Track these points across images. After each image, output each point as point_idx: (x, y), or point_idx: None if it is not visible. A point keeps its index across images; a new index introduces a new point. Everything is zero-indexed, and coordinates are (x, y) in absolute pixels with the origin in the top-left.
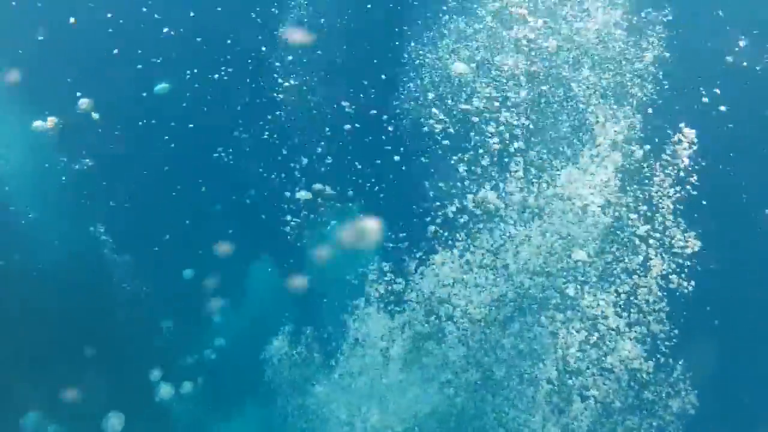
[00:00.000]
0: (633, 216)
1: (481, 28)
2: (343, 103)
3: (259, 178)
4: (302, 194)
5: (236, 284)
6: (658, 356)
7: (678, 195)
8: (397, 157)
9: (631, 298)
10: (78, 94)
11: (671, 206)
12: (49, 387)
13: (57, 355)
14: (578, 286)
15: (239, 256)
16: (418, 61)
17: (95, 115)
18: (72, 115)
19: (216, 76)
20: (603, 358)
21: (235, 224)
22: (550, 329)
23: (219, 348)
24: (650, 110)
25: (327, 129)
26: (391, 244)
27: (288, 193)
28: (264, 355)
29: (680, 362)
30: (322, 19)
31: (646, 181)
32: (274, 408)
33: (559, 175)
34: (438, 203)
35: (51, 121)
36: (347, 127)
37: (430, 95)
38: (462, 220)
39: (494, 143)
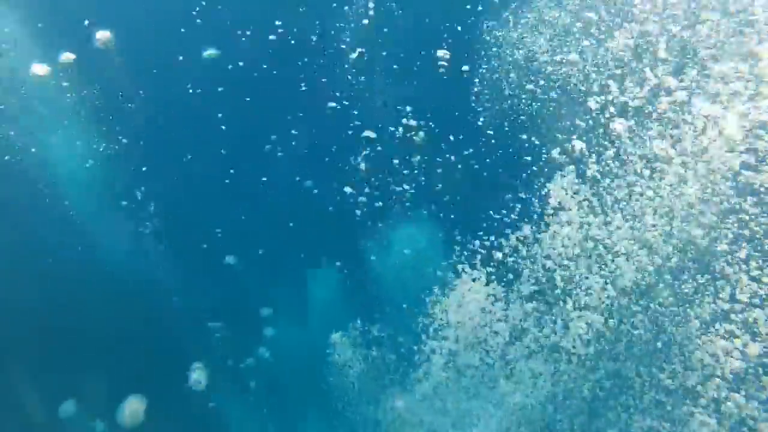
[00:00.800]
0: None
1: None
2: (439, 53)
3: (321, 164)
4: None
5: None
6: None
7: None
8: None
9: None
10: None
11: None
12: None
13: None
14: (747, 260)
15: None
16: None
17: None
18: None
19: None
20: None
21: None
22: (702, 318)
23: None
24: None
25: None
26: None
27: (351, 183)
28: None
29: None
30: None
31: None
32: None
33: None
34: (563, 153)
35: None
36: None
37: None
38: (594, 174)
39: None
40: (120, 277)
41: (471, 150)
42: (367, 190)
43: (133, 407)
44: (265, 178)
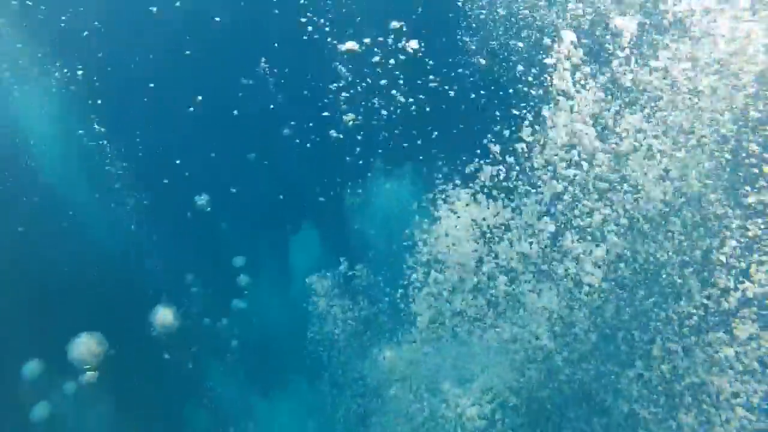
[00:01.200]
0: None
1: None
2: None
3: (298, 90)
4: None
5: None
6: None
7: None
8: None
9: None
10: None
11: None
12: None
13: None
14: None
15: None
16: None
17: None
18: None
19: None
20: None
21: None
22: (728, 246)
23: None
24: None
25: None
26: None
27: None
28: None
29: None
30: None
31: None
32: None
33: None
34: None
35: None
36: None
37: None
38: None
39: None
40: (81, 218)
41: (460, 69)
42: (349, 109)
43: (87, 346)
44: (236, 112)
